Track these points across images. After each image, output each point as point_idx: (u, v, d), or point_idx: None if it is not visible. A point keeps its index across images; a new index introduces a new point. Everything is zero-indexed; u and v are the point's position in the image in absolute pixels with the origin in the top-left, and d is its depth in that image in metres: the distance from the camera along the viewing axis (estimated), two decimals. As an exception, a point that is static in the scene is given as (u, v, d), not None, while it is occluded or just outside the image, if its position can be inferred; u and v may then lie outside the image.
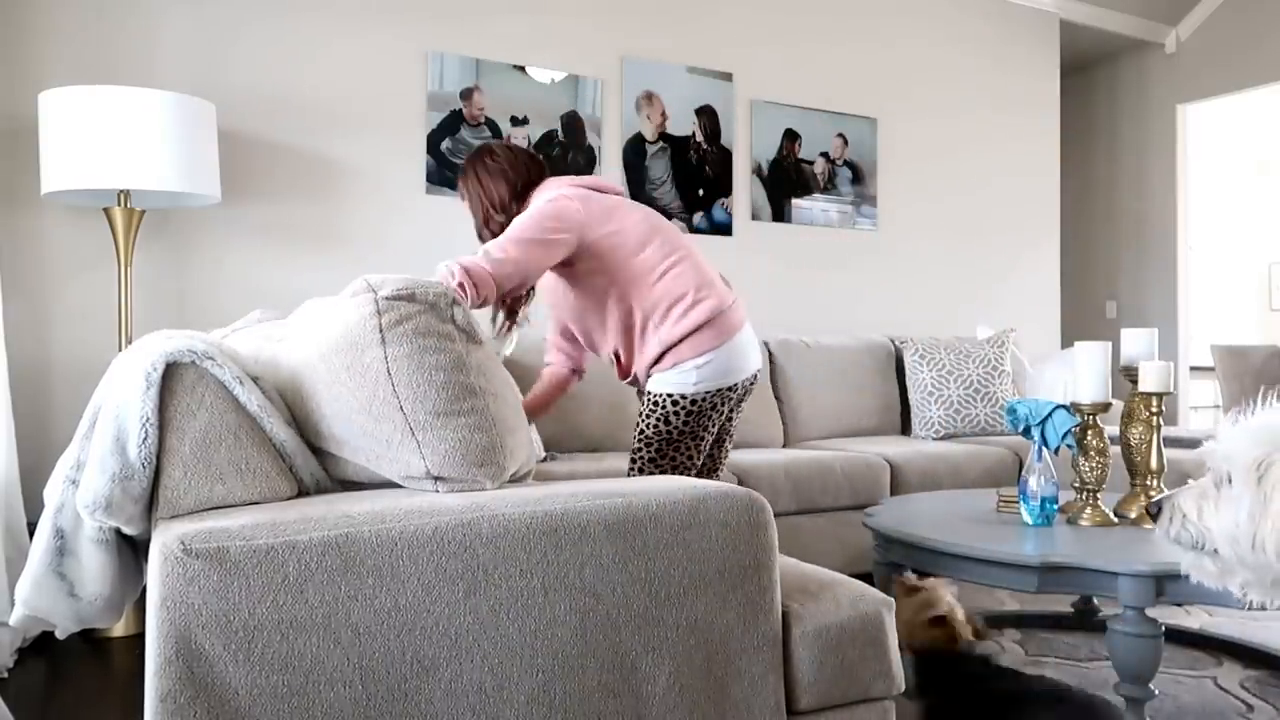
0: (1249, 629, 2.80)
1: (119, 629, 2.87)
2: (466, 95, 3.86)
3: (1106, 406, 2.41)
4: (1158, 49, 6.28)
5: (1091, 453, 2.39)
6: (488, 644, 1.23)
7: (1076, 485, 2.43)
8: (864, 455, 3.57)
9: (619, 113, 4.21)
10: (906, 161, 5.09)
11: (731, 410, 2.44)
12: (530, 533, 1.26)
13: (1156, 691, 2.05)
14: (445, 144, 3.82)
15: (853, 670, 1.45)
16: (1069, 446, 2.37)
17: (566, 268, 2.27)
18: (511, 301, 2.42)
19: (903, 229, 5.08)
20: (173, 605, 1.11)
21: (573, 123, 4.10)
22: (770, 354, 4.21)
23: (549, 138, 4.04)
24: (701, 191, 4.41)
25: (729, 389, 2.30)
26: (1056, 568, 2.04)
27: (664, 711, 1.31)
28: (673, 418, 2.27)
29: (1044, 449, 2.35)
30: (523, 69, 3.98)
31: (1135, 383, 2.45)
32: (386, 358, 1.34)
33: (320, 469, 1.47)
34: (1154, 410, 2.39)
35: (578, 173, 4.09)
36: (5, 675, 2.49)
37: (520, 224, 2.16)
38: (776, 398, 4.14)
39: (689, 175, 4.37)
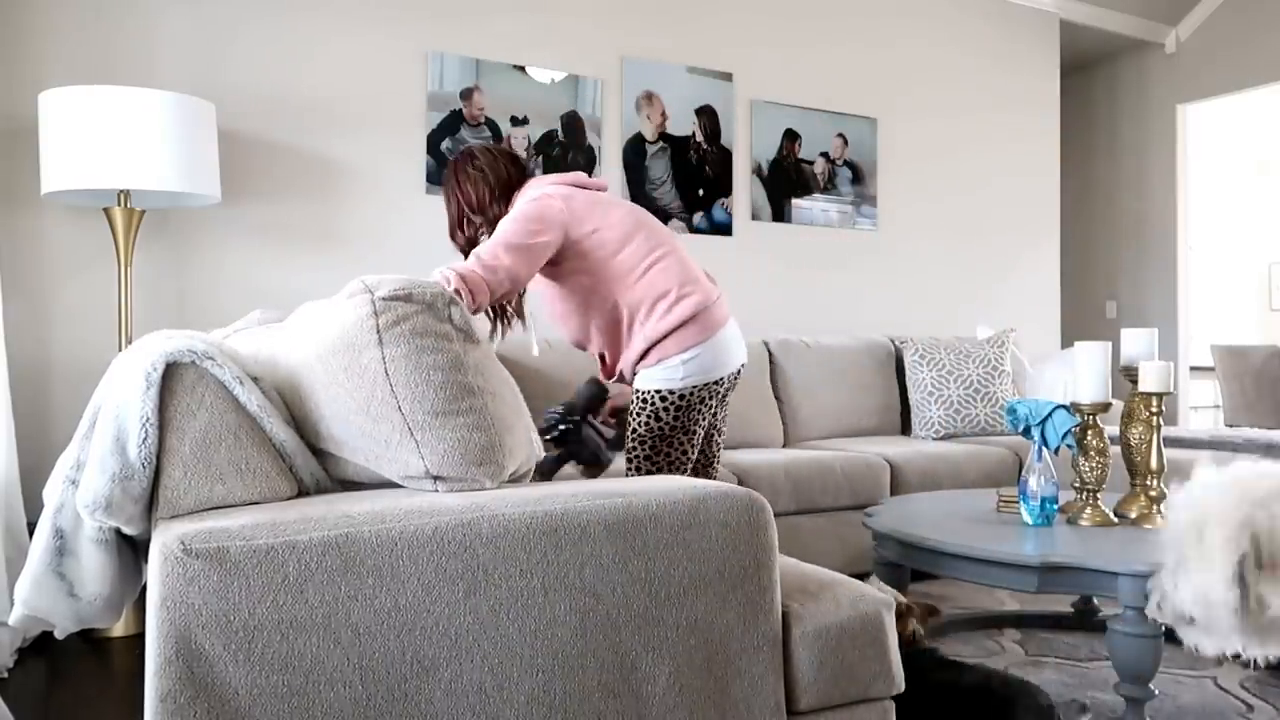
0: (1249, 629, 2.80)
1: (119, 629, 2.87)
2: (466, 95, 3.86)
3: (1106, 406, 2.41)
4: (1158, 49, 6.28)
5: (1091, 453, 2.39)
6: (488, 644, 1.23)
7: (1076, 485, 2.43)
8: (864, 455, 3.57)
9: (619, 113, 4.21)
10: (906, 161, 5.10)
11: (718, 405, 2.45)
12: (530, 533, 1.26)
13: (1156, 691, 2.05)
14: (445, 144, 3.82)
15: (853, 670, 1.45)
16: (1069, 446, 2.38)
17: (551, 267, 2.28)
18: (500, 302, 2.42)
19: (903, 229, 5.08)
20: (173, 605, 1.11)
21: (573, 123, 4.10)
22: (770, 354, 4.20)
23: (549, 138, 4.04)
24: (701, 191, 4.41)
25: (715, 383, 2.31)
26: (1056, 568, 2.04)
27: (664, 711, 1.31)
28: (663, 414, 2.28)
29: (1044, 449, 2.35)
30: (523, 69, 3.98)
31: (1135, 383, 2.45)
32: (384, 358, 1.34)
33: (320, 469, 1.47)
34: (1154, 410, 2.39)
35: (575, 170, 4.08)
36: (5, 675, 2.49)
37: (506, 228, 2.17)
38: (776, 398, 4.14)
39: (689, 175, 4.37)
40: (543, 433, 2.33)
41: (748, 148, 4.56)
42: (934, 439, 4.10)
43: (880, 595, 1.52)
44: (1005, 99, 5.46)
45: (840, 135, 4.83)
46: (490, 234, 2.32)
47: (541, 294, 2.41)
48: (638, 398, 2.32)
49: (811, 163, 4.75)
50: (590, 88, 4.13)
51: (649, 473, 2.32)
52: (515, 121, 3.96)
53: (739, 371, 2.41)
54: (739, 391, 3.95)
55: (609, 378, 2.44)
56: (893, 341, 4.53)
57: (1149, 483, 2.40)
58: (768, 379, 4.13)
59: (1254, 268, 8.01)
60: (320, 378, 1.39)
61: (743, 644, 1.37)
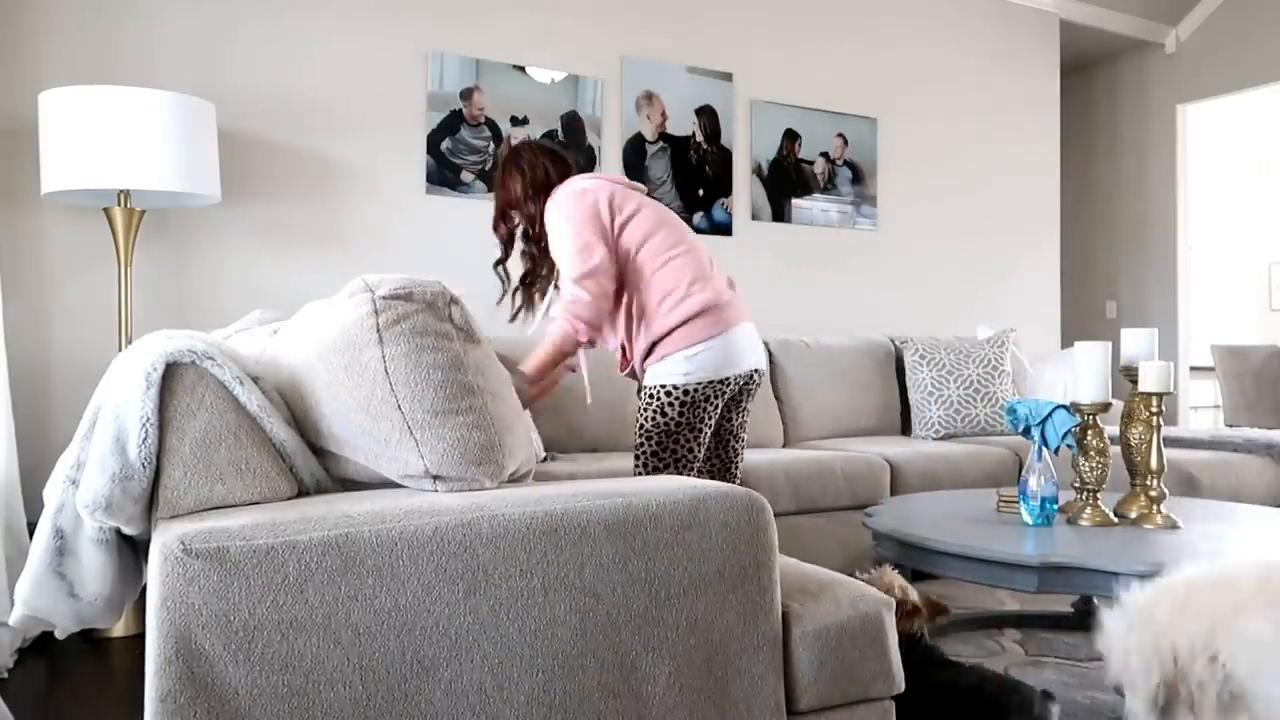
0: (1249, 629, 2.79)
1: (119, 629, 2.87)
2: (466, 95, 3.86)
3: (1106, 406, 2.41)
4: (1158, 49, 6.28)
5: (1091, 453, 2.39)
6: (488, 644, 1.23)
7: (1076, 485, 2.43)
8: (864, 455, 3.57)
9: (619, 113, 4.21)
10: (906, 161, 5.10)
11: (732, 407, 2.47)
12: (530, 533, 1.26)
13: (1156, 691, 2.05)
14: (445, 144, 3.82)
15: (853, 670, 1.45)
16: (1069, 446, 2.38)
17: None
18: (529, 284, 2.56)
19: (903, 229, 5.08)
20: (173, 605, 1.11)
21: (573, 123, 4.10)
22: (770, 354, 4.20)
23: (549, 138, 4.04)
24: (701, 191, 4.41)
25: (720, 382, 2.32)
26: (1056, 568, 2.04)
27: (664, 711, 1.31)
28: (668, 409, 2.31)
29: (1044, 449, 2.35)
30: (523, 69, 3.98)
31: (1135, 383, 2.45)
32: (384, 357, 1.34)
33: (320, 468, 1.47)
34: (1154, 410, 2.39)
35: (578, 173, 4.08)
36: (5, 675, 2.49)
37: (569, 254, 2.29)
38: (776, 398, 4.14)
39: (689, 175, 4.37)
40: None
41: (748, 148, 4.56)
42: (934, 439, 4.10)
43: (880, 595, 1.52)
44: (1005, 99, 5.46)
45: (840, 135, 4.83)
46: (533, 226, 2.48)
47: None
48: (644, 394, 2.35)
49: (811, 163, 4.75)
50: (590, 88, 4.13)
51: (655, 469, 2.34)
52: (515, 121, 3.96)
53: (752, 376, 2.42)
54: (739, 391, 3.94)
55: (623, 371, 2.48)
56: (893, 341, 4.53)
57: (1149, 483, 2.40)
58: (768, 379, 4.13)
59: (1254, 268, 8.01)
60: (321, 376, 1.39)
61: (743, 644, 1.37)
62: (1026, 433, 2.41)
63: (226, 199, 3.37)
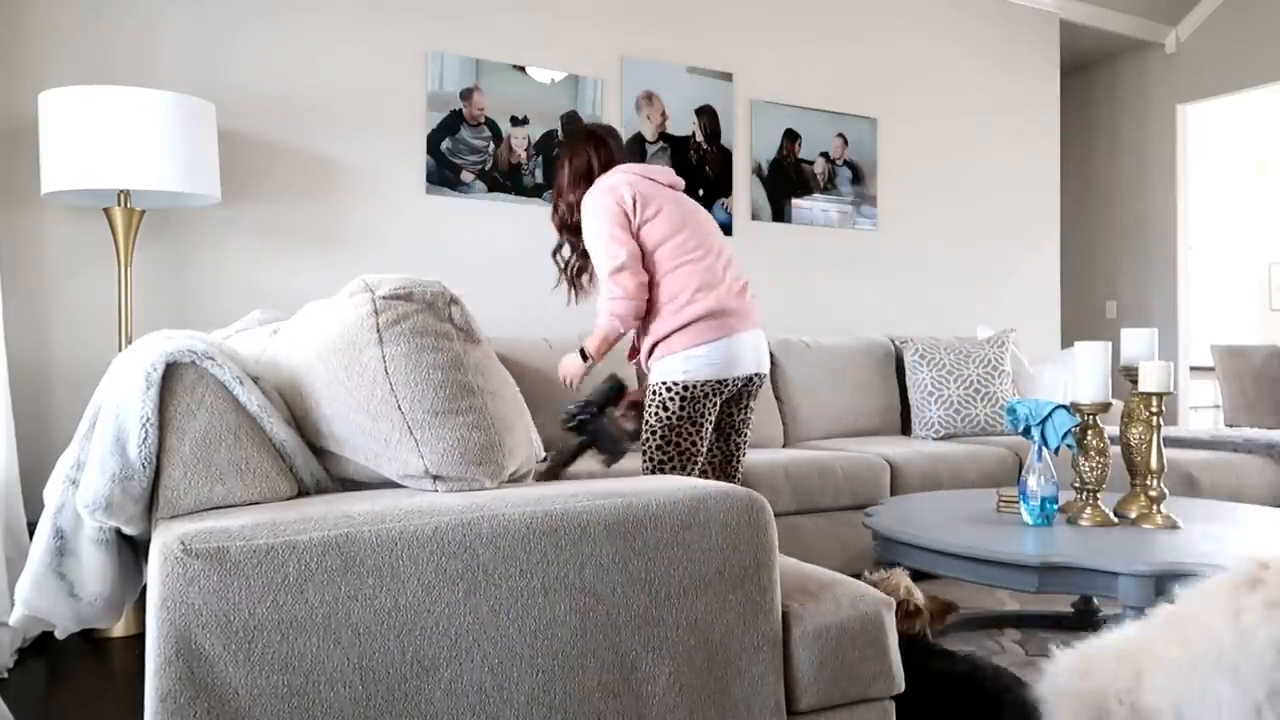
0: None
1: (119, 629, 2.87)
2: (466, 95, 3.86)
3: (1106, 406, 2.41)
4: (1158, 49, 6.28)
5: (1091, 453, 2.39)
6: (488, 644, 1.23)
7: (1076, 485, 2.43)
8: (864, 455, 3.57)
9: (619, 113, 4.21)
10: (906, 161, 5.10)
11: (732, 404, 2.59)
12: (530, 533, 1.26)
13: (1156, 691, 2.05)
14: (445, 144, 3.82)
15: (853, 670, 1.45)
16: (1069, 446, 2.37)
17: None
18: (574, 273, 2.70)
19: (903, 229, 5.08)
20: (173, 605, 1.11)
21: (573, 123, 4.09)
22: (770, 354, 4.20)
23: (549, 138, 4.04)
24: (701, 191, 4.41)
25: (719, 382, 2.46)
26: (1056, 568, 2.04)
27: (664, 711, 1.31)
28: (669, 404, 2.45)
29: (1044, 449, 2.35)
30: (523, 69, 3.98)
31: (1135, 383, 2.45)
32: (384, 357, 1.34)
33: (320, 469, 1.47)
34: (1154, 410, 2.39)
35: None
36: (5, 675, 2.49)
37: (601, 250, 2.45)
38: (776, 398, 4.14)
39: (689, 175, 4.37)
40: (563, 423, 2.48)
41: (748, 148, 4.56)
42: (934, 439, 4.10)
43: (880, 595, 1.52)
44: (1005, 99, 5.46)
45: (840, 135, 4.83)
46: (570, 215, 2.61)
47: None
48: (650, 391, 2.50)
49: (811, 163, 4.75)
50: (590, 88, 4.13)
51: (660, 463, 2.48)
52: (515, 121, 3.96)
53: (751, 380, 2.54)
54: (739, 391, 3.95)
55: (630, 359, 2.63)
56: (893, 341, 4.53)
57: (1149, 483, 2.40)
58: (768, 379, 4.12)
59: (1254, 268, 8.01)
60: (321, 376, 1.39)
61: (743, 644, 1.37)
62: (1026, 433, 2.41)
63: (226, 199, 3.37)
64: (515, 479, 1.50)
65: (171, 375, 1.33)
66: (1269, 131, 7.60)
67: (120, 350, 2.98)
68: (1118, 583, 1.97)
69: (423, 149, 3.79)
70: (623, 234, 2.43)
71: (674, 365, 2.44)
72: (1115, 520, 2.38)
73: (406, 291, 1.39)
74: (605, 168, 2.59)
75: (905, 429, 4.40)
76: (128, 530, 1.33)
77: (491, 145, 3.91)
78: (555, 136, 4.05)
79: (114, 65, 3.23)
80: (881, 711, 1.50)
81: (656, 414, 2.46)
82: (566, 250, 2.71)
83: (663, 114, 4.31)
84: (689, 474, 2.48)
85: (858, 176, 4.90)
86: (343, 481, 1.49)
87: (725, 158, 4.48)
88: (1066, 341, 6.18)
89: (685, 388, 2.43)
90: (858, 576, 1.97)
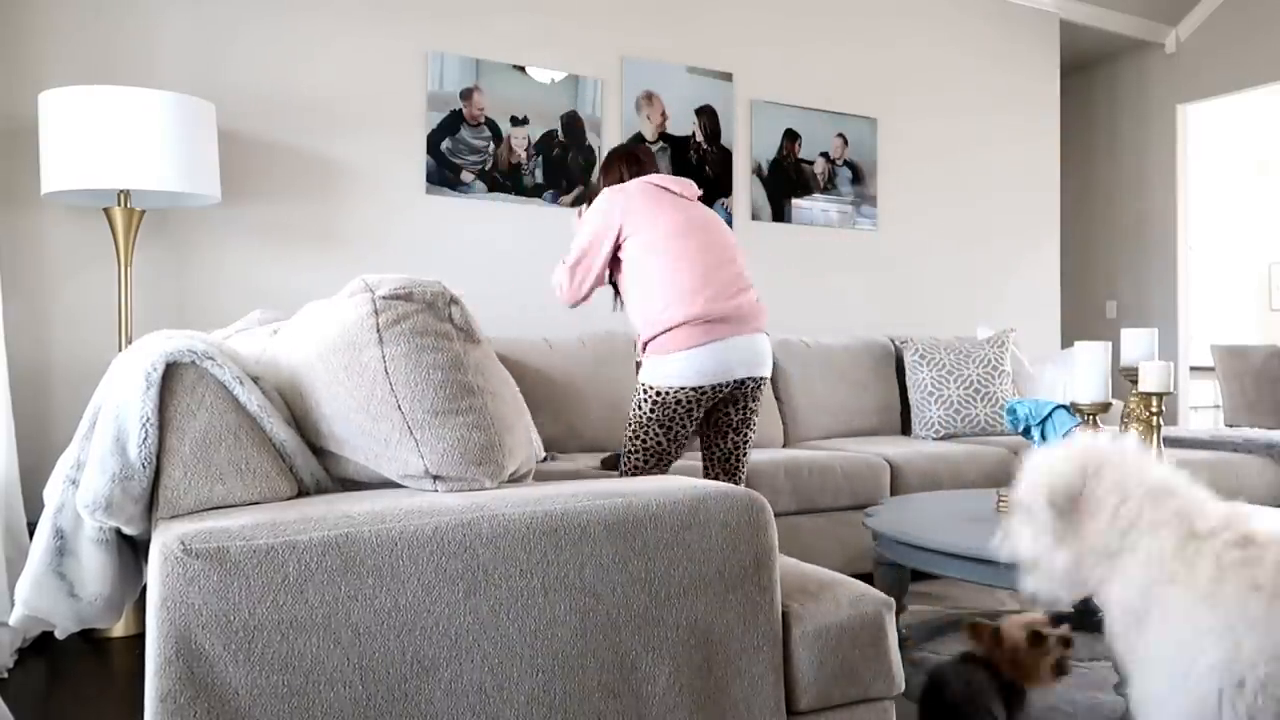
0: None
1: (119, 629, 2.87)
2: (466, 95, 3.86)
3: (1106, 406, 2.41)
4: (1158, 49, 6.28)
5: (1091, 453, 2.38)
6: (488, 644, 1.23)
7: (1076, 485, 2.42)
8: (864, 455, 3.57)
9: (619, 113, 4.21)
10: (906, 161, 5.10)
11: (728, 405, 2.62)
12: (530, 533, 1.26)
13: (1156, 691, 2.04)
14: (445, 144, 3.82)
15: (853, 670, 1.45)
16: (1069, 446, 2.37)
17: (616, 249, 2.64)
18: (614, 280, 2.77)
19: (903, 229, 5.08)
20: (173, 605, 1.11)
21: (573, 123, 4.10)
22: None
23: (549, 138, 4.04)
24: (701, 191, 4.41)
25: (695, 389, 2.50)
26: (1056, 568, 2.03)
27: (664, 711, 1.31)
28: (643, 404, 2.56)
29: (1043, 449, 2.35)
30: (523, 69, 3.98)
31: (1135, 383, 2.45)
32: (384, 357, 1.34)
33: (320, 469, 1.47)
34: (1154, 410, 2.39)
35: (578, 172, 4.09)
36: (5, 675, 2.49)
37: (575, 243, 2.64)
38: (776, 398, 4.14)
39: (689, 175, 4.37)
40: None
41: (748, 148, 4.56)
42: (934, 439, 4.10)
43: (880, 595, 1.52)
44: (1005, 99, 5.46)
45: (840, 135, 4.83)
46: None
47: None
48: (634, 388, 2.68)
49: (811, 163, 4.75)
50: (590, 88, 4.13)
51: (630, 453, 2.60)
52: (515, 121, 3.96)
53: (744, 384, 2.56)
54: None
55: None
56: (893, 341, 4.53)
57: (1149, 483, 2.39)
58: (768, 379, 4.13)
59: (1254, 268, 8.01)
60: (321, 376, 1.39)
61: (743, 644, 1.37)
62: (1026, 433, 2.41)
63: (226, 199, 3.37)
64: (515, 479, 1.51)
65: (171, 375, 1.33)
66: (1269, 131, 7.60)
67: (120, 350, 2.99)
68: (1118, 583, 1.96)
69: (423, 149, 3.79)
70: (595, 242, 2.58)
71: (651, 369, 2.53)
72: (1115, 520, 2.38)
73: (406, 291, 1.39)
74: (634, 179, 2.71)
75: (905, 429, 4.40)
76: (128, 530, 1.33)
77: (491, 145, 3.91)
78: (555, 136, 4.05)
79: (114, 65, 3.23)
80: (881, 711, 1.50)
81: (633, 410, 2.59)
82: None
83: (663, 114, 4.31)
84: (650, 468, 2.59)
85: (858, 176, 4.90)
86: (343, 481, 1.49)
87: (725, 158, 4.48)
88: (1066, 341, 6.18)
89: (658, 392, 2.51)
90: (992, 619, 1.89)
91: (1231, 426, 5.97)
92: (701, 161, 4.41)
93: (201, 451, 1.31)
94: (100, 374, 3.10)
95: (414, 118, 3.77)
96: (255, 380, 1.43)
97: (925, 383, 4.17)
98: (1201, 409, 7.29)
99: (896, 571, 2.50)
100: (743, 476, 2.73)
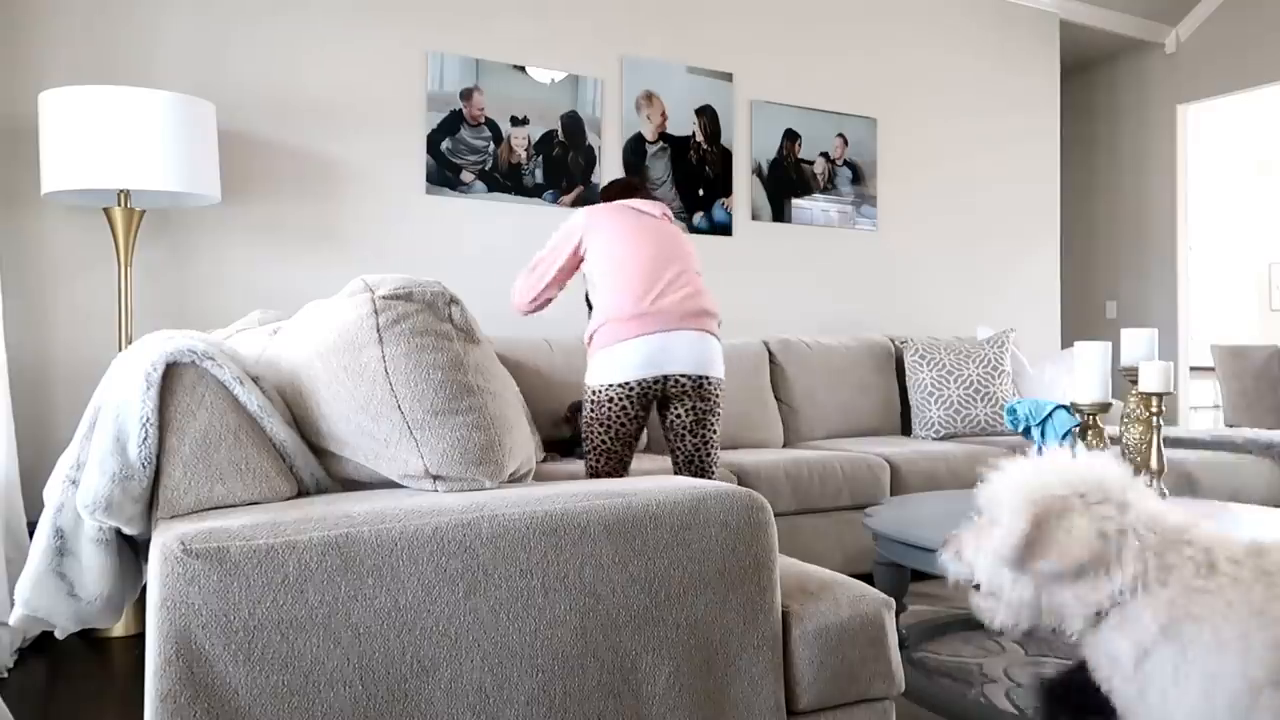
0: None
1: (119, 629, 2.87)
2: (466, 95, 3.86)
3: (1106, 406, 2.41)
4: (1158, 49, 6.28)
5: (1091, 453, 2.39)
6: (488, 644, 1.23)
7: (1076, 485, 2.42)
8: (864, 455, 3.57)
9: (619, 113, 4.21)
10: (907, 162, 5.10)
11: (665, 408, 2.67)
12: (530, 533, 1.26)
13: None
14: (445, 144, 3.82)
15: (853, 670, 1.45)
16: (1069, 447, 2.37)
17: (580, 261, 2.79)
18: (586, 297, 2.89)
19: (903, 229, 5.08)
20: (173, 605, 1.11)
21: (573, 123, 4.10)
22: (770, 354, 4.21)
23: (549, 138, 4.04)
24: (701, 191, 4.41)
25: (622, 385, 2.57)
26: (1056, 568, 2.03)
27: (664, 711, 1.31)
28: (586, 405, 2.68)
29: (1044, 449, 2.35)
30: (523, 69, 3.98)
31: (1135, 383, 2.45)
32: (384, 357, 1.34)
33: (320, 469, 1.47)
34: (1154, 410, 2.39)
35: (578, 172, 4.09)
36: (5, 675, 2.49)
37: (539, 253, 2.82)
38: (776, 398, 4.14)
39: (689, 175, 4.37)
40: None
41: (748, 148, 4.56)
42: (934, 439, 4.10)
43: (880, 595, 1.52)
44: (1005, 99, 5.46)
45: (840, 135, 4.83)
46: None
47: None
48: None
49: (811, 163, 4.75)
50: (590, 88, 4.13)
51: (587, 454, 2.69)
52: (515, 121, 3.96)
53: (678, 381, 2.59)
54: (739, 390, 3.95)
55: None
56: (893, 341, 4.53)
57: (1149, 483, 2.40)
58: (768, 379, 4.13)
59: (1254, 268, 8.01)
60: (321, 376, 1.39)
61: (743, 644, 1.37)
62: (1026, 433, 2.41)
63: (226, 199, 3.37)
64: (515, 479, 1.51)
65: (171, 375, 1.33)
66: (1269, 131, 7.60)
67: (120, 350, 2.99)
68: (1118, 583, 1.96)
69: (423, 149, 3.79)
70: (555, 249, 2.76)
71: (588, 370, 2.66)
72: (1115, 520, 2.38)
73: (406, 291, 1.39)
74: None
75: (905, 429, 4.40)
76: (128, 530, 1.33)
77: (491, 145, 3.91)
78: (555, 136, 4.05)
79: (114, 65, 3.23)
80: (881, 711, 1.50)
81: (585, 410, 2.71)
82: None
83: (663, 114, 4.31)
84: (603, 466, 2.64)
85: (858, 176, 4.90)
86: (343, 481, 1.49)
87: (725, 158, 4.48)
88: (1066, 341, 6.19)
89: (593, 391, 2.62)
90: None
91: (1231, 426, 5.97)
92: (702, 162, 4.41)
93: (201, 451, 1.31)
94: (100, 374, 3.10)
95: (414, 118, 3.77)
96: (255, 380, 1.43)
97: (925, 383, 4.17)
98: (1201, 409, 7.29)
99: (896, 571, 2.50)
100: (712, 477, 2.73)
